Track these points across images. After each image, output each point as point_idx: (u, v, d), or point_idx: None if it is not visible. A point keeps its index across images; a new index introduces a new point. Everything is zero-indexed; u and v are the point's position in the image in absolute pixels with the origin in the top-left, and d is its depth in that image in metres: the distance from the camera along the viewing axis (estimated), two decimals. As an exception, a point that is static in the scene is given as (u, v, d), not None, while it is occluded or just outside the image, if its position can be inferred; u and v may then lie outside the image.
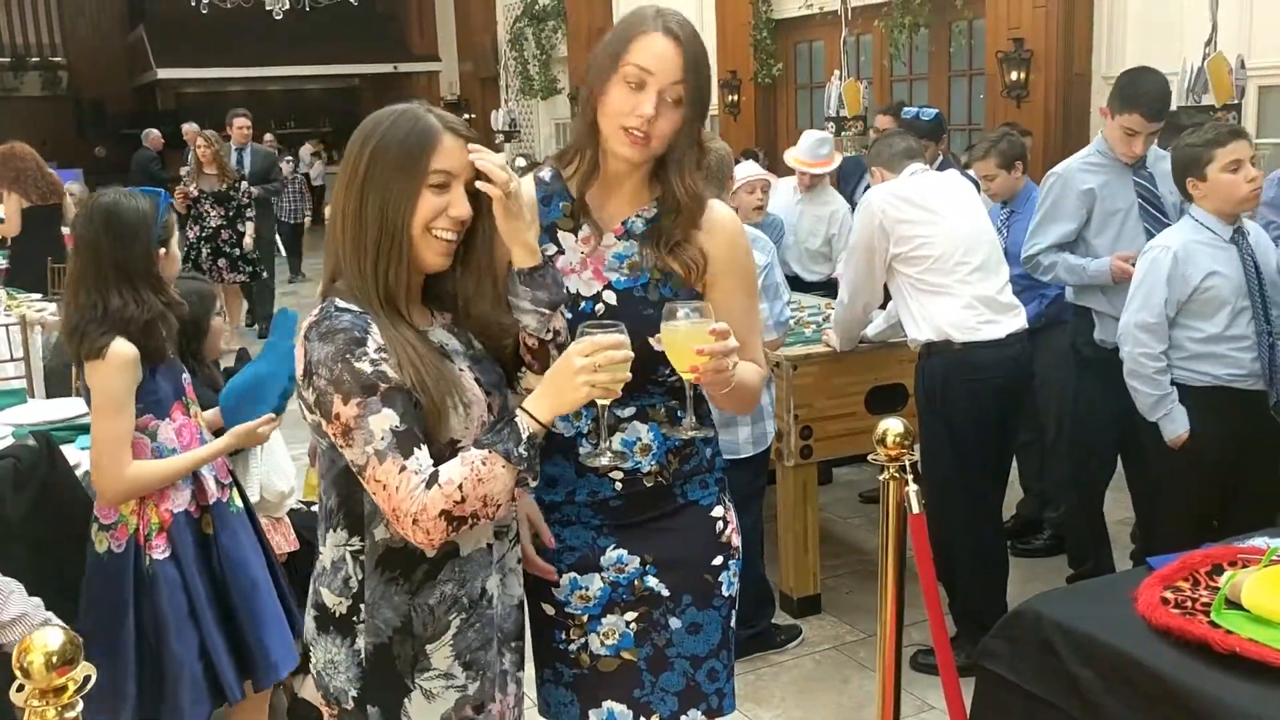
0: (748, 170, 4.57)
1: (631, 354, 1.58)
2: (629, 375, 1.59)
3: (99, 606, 2.55)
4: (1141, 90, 3.60)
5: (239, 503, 2.76)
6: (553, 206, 1.90)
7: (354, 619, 1.68)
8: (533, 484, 1.65)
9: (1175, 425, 3.22)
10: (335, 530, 1.70)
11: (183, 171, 8.38)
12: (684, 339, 1.63)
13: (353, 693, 1.69)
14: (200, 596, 2.57)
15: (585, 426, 1.86)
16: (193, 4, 13.09)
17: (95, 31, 20.25)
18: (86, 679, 1.48)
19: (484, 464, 1.55)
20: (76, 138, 18.91)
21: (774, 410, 3.69)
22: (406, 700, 1.68)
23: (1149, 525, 3.53)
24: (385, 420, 1.55)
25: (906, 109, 5.64)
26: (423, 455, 1.57)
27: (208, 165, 7.72)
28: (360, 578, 1.67)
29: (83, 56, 19.94)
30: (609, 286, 1.85)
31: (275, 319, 2.95)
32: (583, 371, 1.55)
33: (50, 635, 1.46)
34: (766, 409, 3.58)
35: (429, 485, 1.55)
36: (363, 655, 1.68)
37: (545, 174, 1.94)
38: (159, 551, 2.54)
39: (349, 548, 1.69)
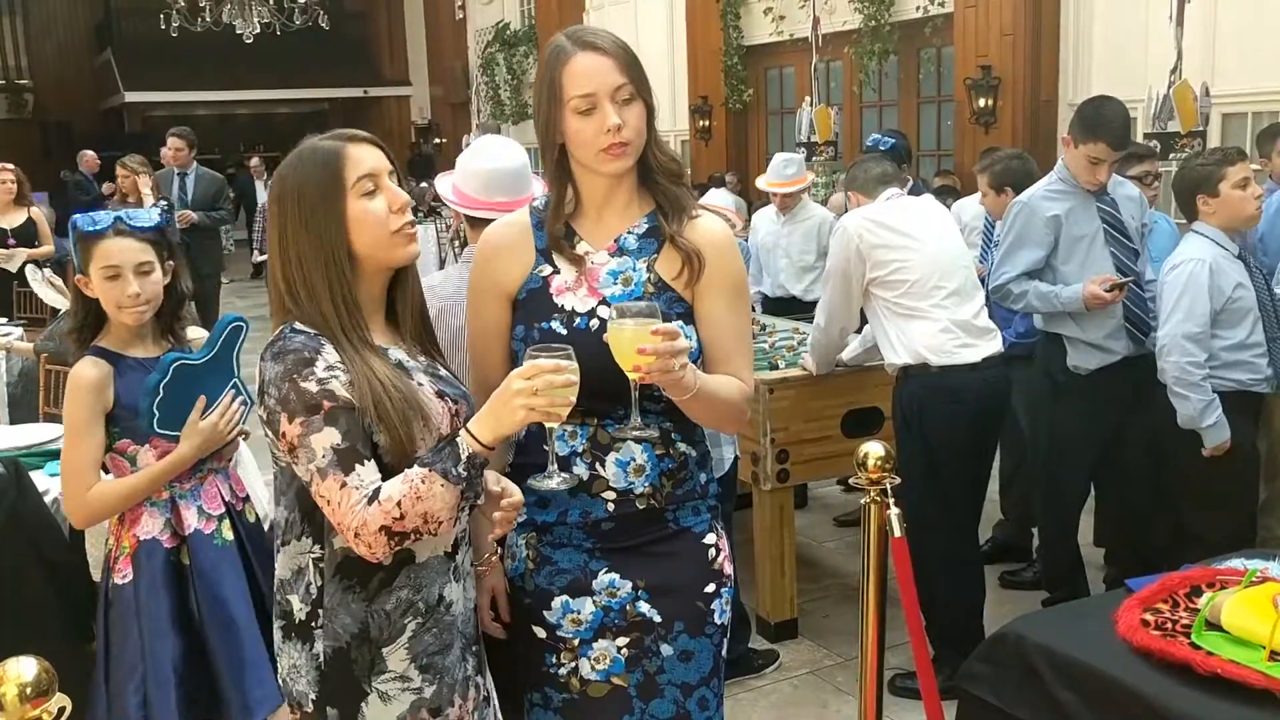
0: (715, 199, 4.65)
1: (575, 379, 1.58)
2: (572, 400, 1.59)
3: (96, 619, 2.54)
4: (1105, 119, 3.65)
5: (228, 535, 2.60)
6: (546, 231, 1.91)
7: (312, 624, 1.72)
8: (478, 503, 1.67)
9: (1221, 430, 3.35)
10: (300, 539, 1.73)
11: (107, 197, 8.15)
12: (629, 338, 1.64)
13: (312, 695, 1.72)
14: (156, 629, 2.45)
15: (580, 445, 1.85)
16: (162, 27, 13.02)
17: (62, 54, 20.11)
18: (61, 710, 1.45)
19: (423, 482, 1.58)
20: (43, 161, 18.73)
21: (733, 438, 3.63)
22: (364, 704, 1.71)
23: (1194, 537, 3.54)
24: (326, 438, 1.60)
25: (870, 138, 5.74)
26: (365, 471, 1.61)
27: (130, 195, 7.26)
28: (320, 584, 1.71)
29: (49, 79, 19.80)
30: (603, 302, 1.85)
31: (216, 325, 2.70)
32: (521, 394, 1.56)
33: (24, 666, 1.43)
34: (722, 436, 3.54)
35: (370, 501, 1.59)
36: (321, 659, 1.71)
37: (539, 201, 1.96)
38: (120, 576, 2.48)
39: (311, 554, 1.72)
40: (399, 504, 1.57)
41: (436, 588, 1.74)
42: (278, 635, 1.78)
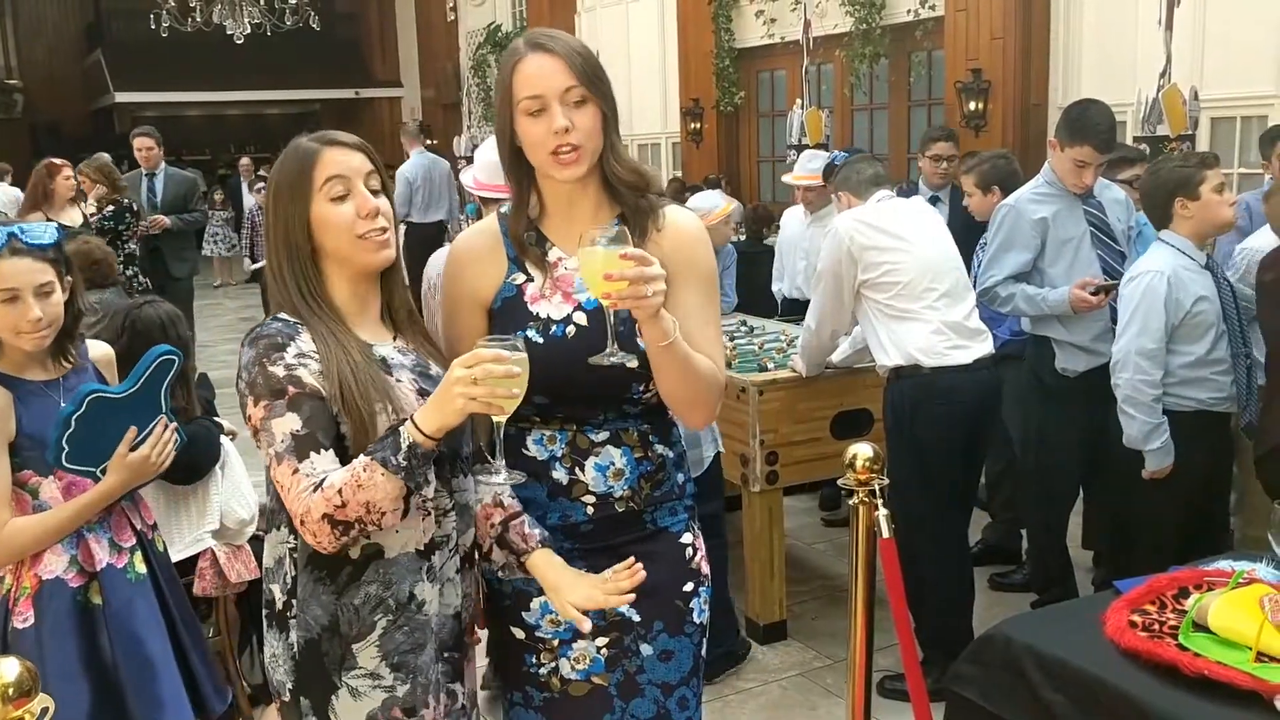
0: (704, 200, 4.68)
1: (519, 371, 1.55)
2: (515, 393, 1.56)
3: None
4: (1091, 123, 3.65)
5: (141, 569, 2.46)
6: (510, 234, 1.90)
7: (288, 614, 1.75)
8: (426, 493, 1.66)
9: (1164, 456, 3.26)
10: (278, 529, 1.76)
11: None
12: (599, 263, 1.62)
13: (289, 685, 1.76)
14: (63, 674, 2.29)
15: (560, 451, 1.85)
16: (152, 27, 12.96)
17: (52, 54, 20.03)
18: (45, 711, 1.44)
19: (364, 470, 1.57)
20: (32, 161, 18.65)
21: (712, 435, 3.63)
22: (334, 697, 1.73)
23: (1128, 554, 3.53)
24: (287, 424, 1.62)
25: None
26: (320, 460, 1.62)
27: (89, 192, 6.79)
28: (294, 575, 1.74)
29: (39, 79, 19.70)
30: (579, 308, 1.84)
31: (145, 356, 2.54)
32: (460, 382, 1.54)
33: (6, 666, 1.42)
34: (701, 435, 3.53)
35: (316, 489, 1.59)
36: (295, 649, 1.74)
37: (507, 209, 1.95)
38: (20, 619, 2.30)
39: (287, 545, 1.75)
40: (340, 491, 1.57)
41: (407, 585, 1.74)
42: (265, 623, 1.81)
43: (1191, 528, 3.37)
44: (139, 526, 2.50)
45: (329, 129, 1.89)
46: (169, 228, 7.31)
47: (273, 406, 1.63)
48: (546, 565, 1.80)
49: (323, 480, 1.60)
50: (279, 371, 1.64)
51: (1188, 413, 3.28)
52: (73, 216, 6.50)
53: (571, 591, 1.75)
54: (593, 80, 1.79)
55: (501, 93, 1.82)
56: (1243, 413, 3.34)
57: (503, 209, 1.96)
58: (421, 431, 1.58)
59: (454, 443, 1.79)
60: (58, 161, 6.53)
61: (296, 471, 1.61)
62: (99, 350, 2.57)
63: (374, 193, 1.75)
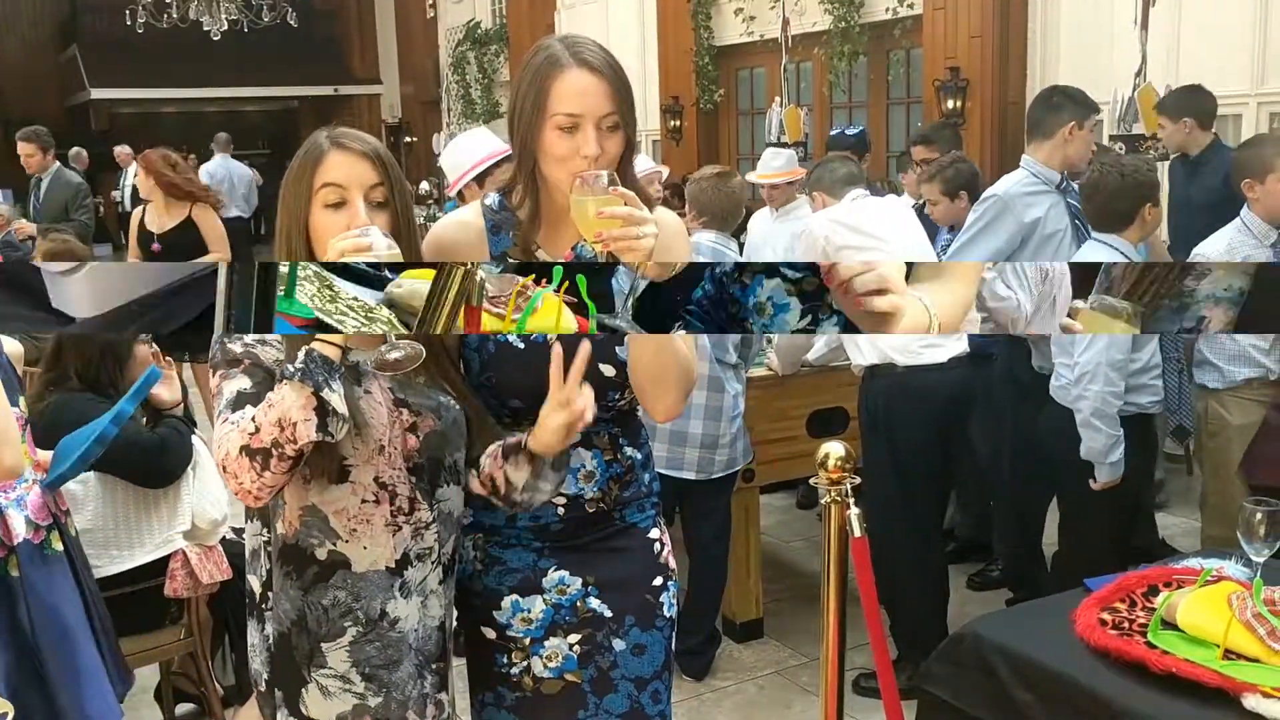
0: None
1: (371, 244, 1.51)
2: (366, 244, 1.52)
3: None
4: (1082, 95, 3.73)
5: (58, 545, 2.53)
6: (502, 236, 1.87)
7: (263, 606, 1.78)
8: (333, 401, 1.51)
9: (1118, 469, 3.18)
10: (252, 521, 1.80)
11: None
12: (592, 202, 1.61)
13: (265, 675, 1.78)
14: None
15: None
16: (128, 23, 12.88)
17: (26, 49, 19.85)
18: (3, 716, 1.42)
19: (273, 392, 1.54)
20: (5, 157, 18.49)
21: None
22: (304, 691, 1.73)
23: (1074, 555, 3.53)
24: (236, 384, 1.63)
25: (836, 129, 5.77)
26: (250, 411, 1.58)
27: None
28: (268, 568, 1.76)
29: (13, 75, 19.50)
30: None
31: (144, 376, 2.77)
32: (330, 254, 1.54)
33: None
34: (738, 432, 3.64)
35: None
36: (270, 640, 1.76)
37: (492, 200, 1.91)
38: None
39: (260, 538, 1.78)
40: (253, 419, 1.54)
41: (378, 602, 1.72)
42: (246, 611, 1.84)
43: (1137, 525, 3.46)
44: (53, 509, 2.56)
45: (308, 127, 1.84)
46: (32, 236, 6.38)
47: (228, 374, 1.65)
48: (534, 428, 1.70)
49: None
50: (236, 347, 1.67)
51: (1129, 416, 3.20)
52: (163, 222, 5.59)
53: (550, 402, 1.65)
54: (628, 106, 1.76)
55: (535, 98, 1.74)
56: (1173, 415, 3.31)
57: (486, 200, 1.93)
58: (320, 340, 1.54)
59: (436, 451, 1.76)
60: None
61: (225, 420, 1.58)
62: (8, 345, 2.59)
63: (378, 205, 1.67)
